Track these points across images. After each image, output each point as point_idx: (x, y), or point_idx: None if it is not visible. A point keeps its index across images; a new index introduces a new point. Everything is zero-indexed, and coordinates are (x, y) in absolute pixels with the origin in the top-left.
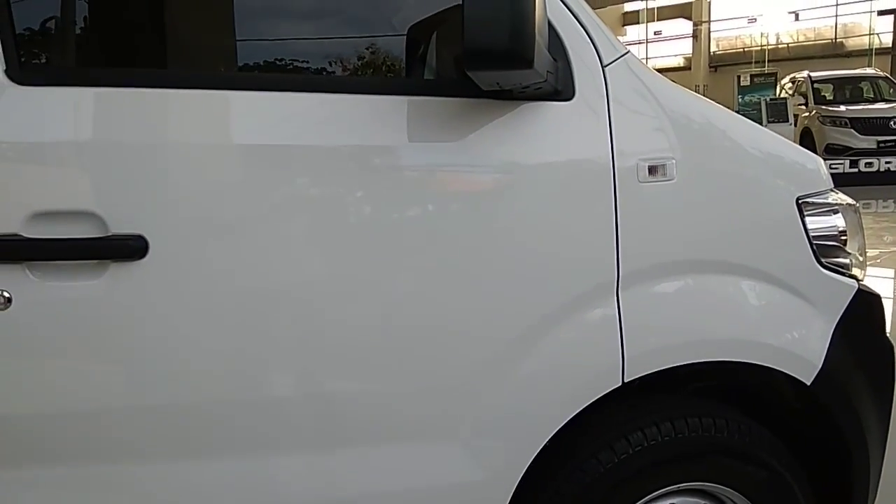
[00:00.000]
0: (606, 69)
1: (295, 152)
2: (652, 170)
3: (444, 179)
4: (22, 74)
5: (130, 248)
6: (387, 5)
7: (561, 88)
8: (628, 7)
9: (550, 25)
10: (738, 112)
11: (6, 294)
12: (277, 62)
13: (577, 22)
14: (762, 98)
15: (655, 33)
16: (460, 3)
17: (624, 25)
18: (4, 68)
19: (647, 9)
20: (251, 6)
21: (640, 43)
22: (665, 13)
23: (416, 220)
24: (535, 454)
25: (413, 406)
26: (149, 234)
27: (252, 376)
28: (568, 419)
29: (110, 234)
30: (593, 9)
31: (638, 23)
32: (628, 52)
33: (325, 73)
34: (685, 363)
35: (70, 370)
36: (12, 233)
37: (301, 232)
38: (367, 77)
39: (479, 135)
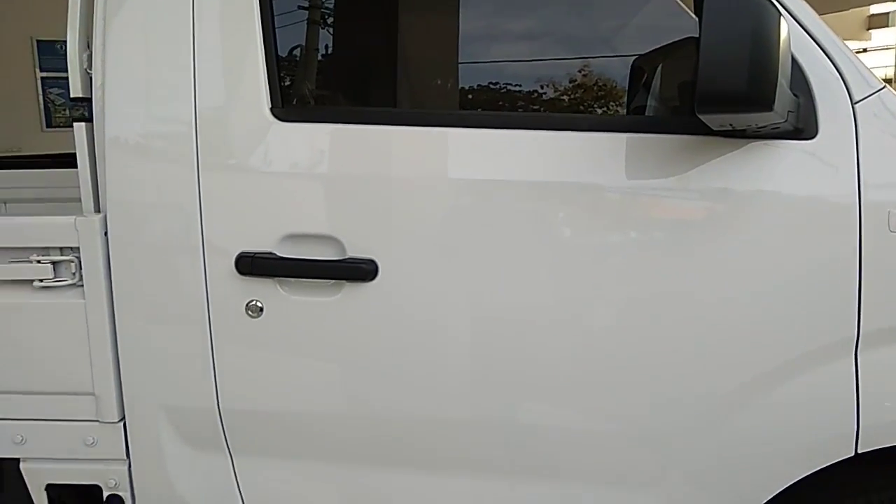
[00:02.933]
0: (857, 106)
1: (513, 187)
2: None
3: (664, 217)
4: (283, 112)
5: (363, 271)
6: (608, 44)
7: (802, 127)
8: (875, 9)
9: (794, 61)
10: None
11: (259, 304)
12: (501, 100)
13: (824, 56)
14: None
15: None
16: (695, 38)
17: (869, 29)
18: (270, 106)
19: None
20: (476, 52)
21: (887, 49)
22: None
23: (635, 258)
24: None
25: (621, 447)
26: (379, 259)
27: (460, 395)
28: (784, 486)
29: (347, 257)
30: (835, 12)
31: (887, 26)
32: (885, 87)
33: (545, 110)
34: None
35: (307, 374)
36: (268, 251)
37: (518, 263)
38: (589, 114)
39: (701, 171)
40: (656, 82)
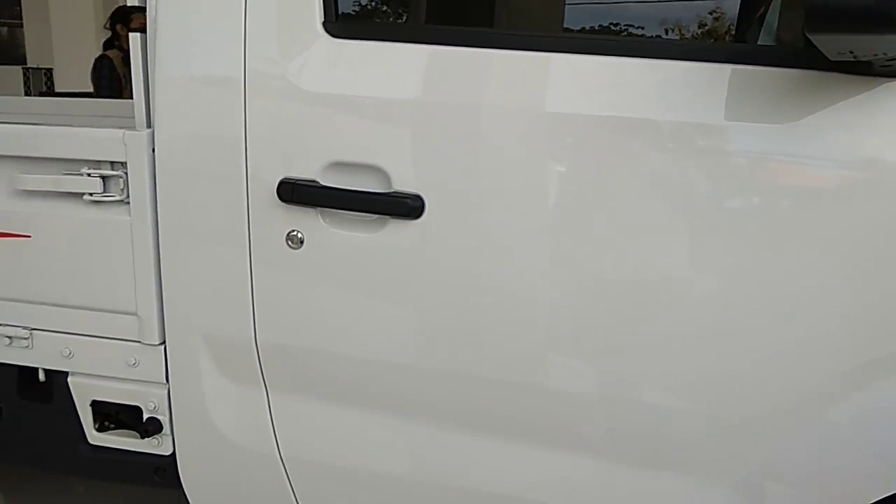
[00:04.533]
0: None
1: (597, 123)
2: None
3: (771, 171)
4: (336, 27)
5: (408, 207)
6: None
7: None
8: None
9: None
10: None
11: (300, 235)
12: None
13: None
14: None
15: None
16: None
17: None
18: (322, 20)
19: None
20: None
21: None
22: None
23: (730, 217)
24: None
25: (703, 433)
26: (427, 195)
27: (509, 358)
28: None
29: (393, 190)
30: None
31: None
32: None
33: (649, 36)
34: None
35: (346, 313)
36: (311, 179)
37: (589, 212)
38: (689, 41)
39: (820, 118)
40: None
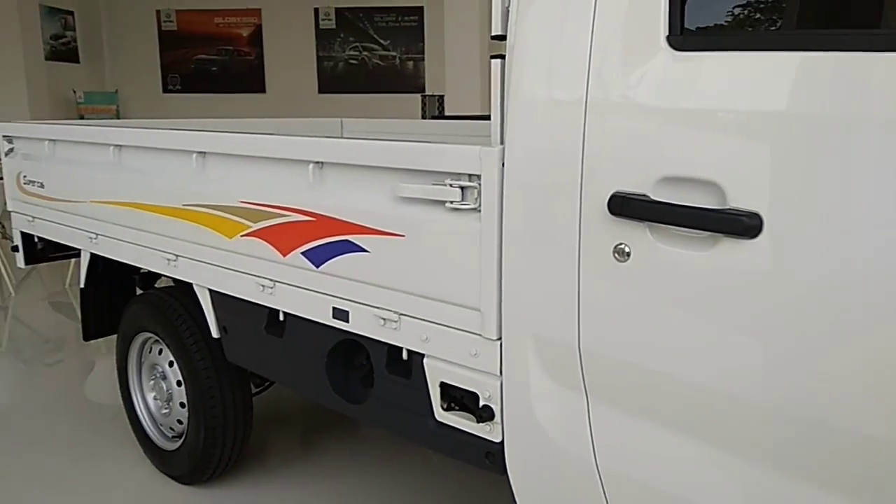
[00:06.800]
0: None
1: None
2: None
3: None
4: (681, 40)
5: (744, 225)
6: None
7: None
8: None
9: None
10: None
11: (627, 249)
12: None
13: None
14: None
15: None
16: None
17: None
18: (666, 34)
19: None
20: None
21: None
22: None
23: None
24: None
25: None
26: (765, 214)
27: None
28: None
29: (728, 207)
30: None
31: None
32: None
33: None
34: None
35: (669, 332)
36: (642, 193)
37: None
38: None
39: None
40: None
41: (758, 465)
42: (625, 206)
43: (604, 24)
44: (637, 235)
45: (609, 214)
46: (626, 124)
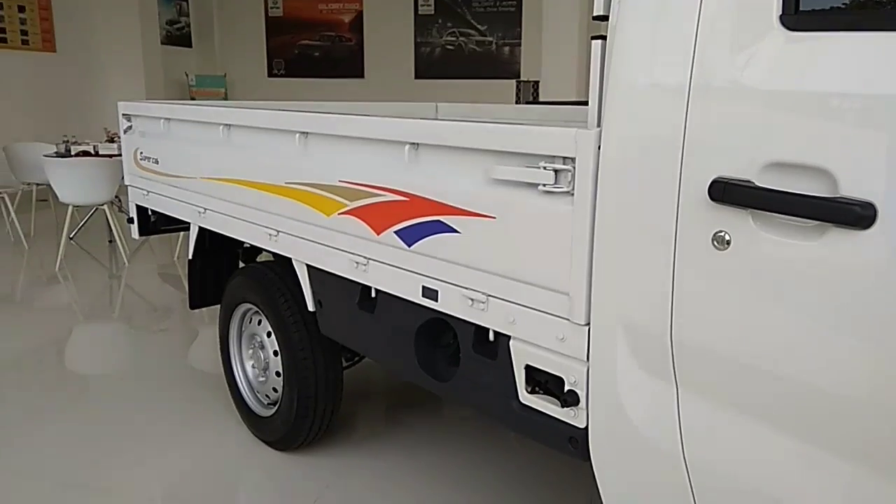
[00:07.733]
0: None
1: None
2: None
3: None
4: (796, 20)
5: (857, 216)
6: None
7: None
8: None
9: None
10: None
11: (727, 236)
12: None
13: None
14: None
15: None
16: None
17: None
18: (780, 13)
19: None
20: None
21: None
22: None
23: None
24: None
25: None
26: (881, 203)
27: None
28: None
29: (839, 195)
30: None
31: None
32: None
33: None
34: None
35: (768, 324)
36: (746, 179)
37: None
38: None
39: None
40: None
41: (859, 465)
42: (727, 192)
43: (712, 4)
44: (738, 223)
45: (709, 201)
46: (732, 108)
